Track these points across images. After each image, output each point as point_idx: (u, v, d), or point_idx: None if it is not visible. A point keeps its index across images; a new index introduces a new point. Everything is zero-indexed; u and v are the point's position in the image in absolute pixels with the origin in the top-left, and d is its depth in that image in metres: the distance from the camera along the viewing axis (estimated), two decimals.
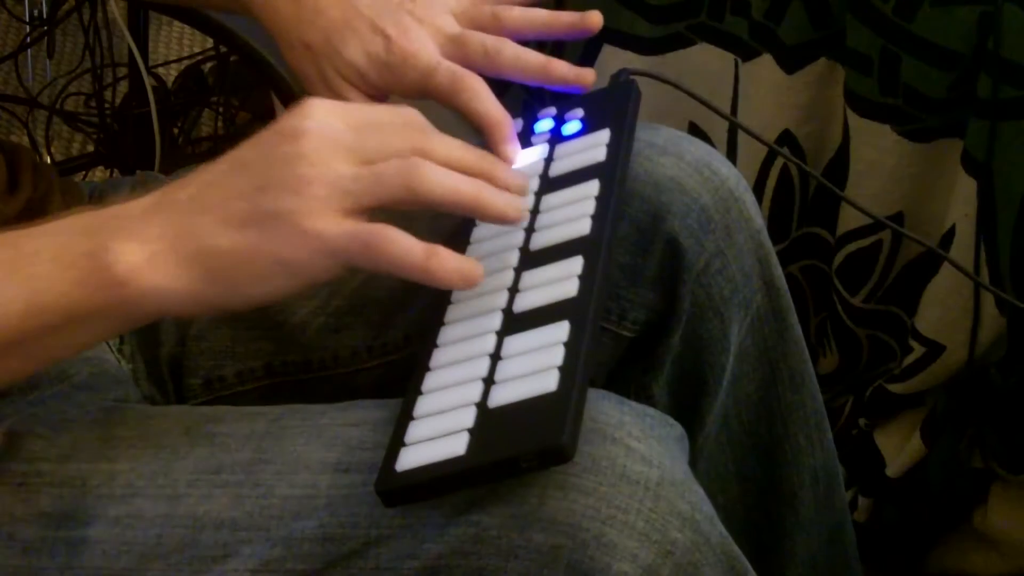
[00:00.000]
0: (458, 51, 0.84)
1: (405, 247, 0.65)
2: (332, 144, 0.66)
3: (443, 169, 0.67)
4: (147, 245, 0.65)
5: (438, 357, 0.72)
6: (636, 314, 0.87)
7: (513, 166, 0.81)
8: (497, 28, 0.86)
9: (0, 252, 0.67)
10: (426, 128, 0.70)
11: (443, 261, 0.65)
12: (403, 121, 0.70)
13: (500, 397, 0.67)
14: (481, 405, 0.67)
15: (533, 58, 0.84)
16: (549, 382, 0.66)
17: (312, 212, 0.64)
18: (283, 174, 0.65)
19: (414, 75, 0.83)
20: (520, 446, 0.64)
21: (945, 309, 1.15)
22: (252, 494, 0.72)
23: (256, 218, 0.65)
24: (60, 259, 0.66)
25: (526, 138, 0.85)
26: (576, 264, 0.73)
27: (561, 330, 0.69)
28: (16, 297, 0.65)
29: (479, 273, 0.67)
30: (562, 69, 0.85)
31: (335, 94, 0.84)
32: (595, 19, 0.86)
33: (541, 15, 0.87)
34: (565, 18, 0.87)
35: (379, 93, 0.85)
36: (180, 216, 0.66)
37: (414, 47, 0.83)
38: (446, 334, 0.74)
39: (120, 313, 0.66)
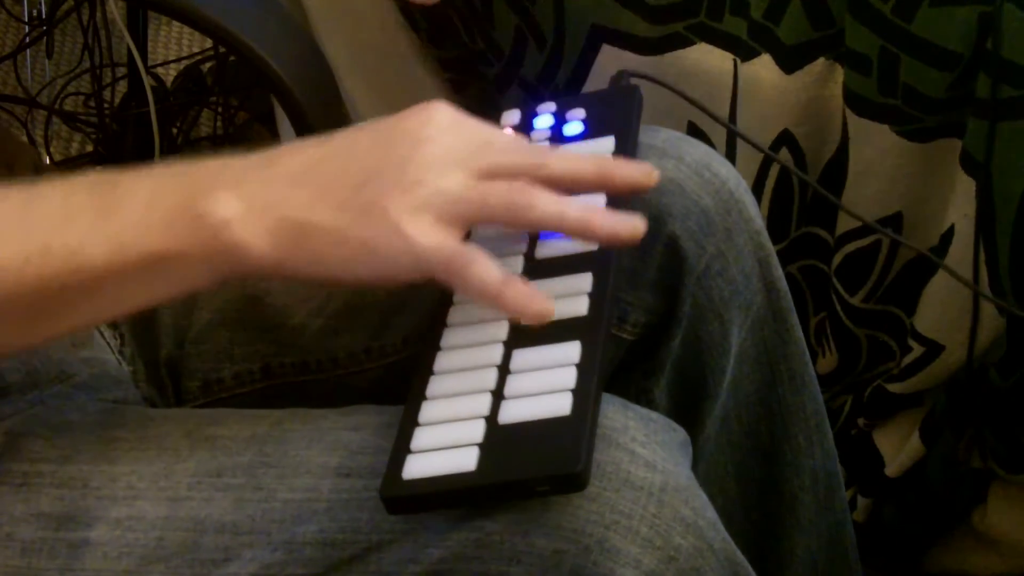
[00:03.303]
0: None
1: (483, 273, 0.66)
2: (449, 154, 0.67)
3: (551, 196, 0.67)
4: (242, 201, 0.66)
5: (442, 361, 0.72)
6: (636, 317, 0.87)
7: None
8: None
9: (96, 188, 0.67)
10: (546, 148, 0.71)
11: (517, 294, 0.66)
12: (521, 143, 0.71)
13: (511, 414, 0.67)
14: (491, 420, 0.67)
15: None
16: (562, 405, 0.66)
17: (411, 213, 0.65)
18: (394, 173, 0.66)
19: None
20: (533, 470, 0.65)
21: (944, 309, 1.15)
22: (253, 497, 0.72)
23: (355, 206, 0.66)
24: (153, 203, 0.66)
25: (525, 132, 0.85)
26: (585, 281, 0.72)
27: (573, 350, 0.69)
28: (105, 235, 0.66)
29: (551, 310, 0.67)
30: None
31: None
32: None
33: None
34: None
35: None
36: (281, 182, 0.67)
37: None
38: (449, 337, 0.73)
39: (204, 264, 0.67)
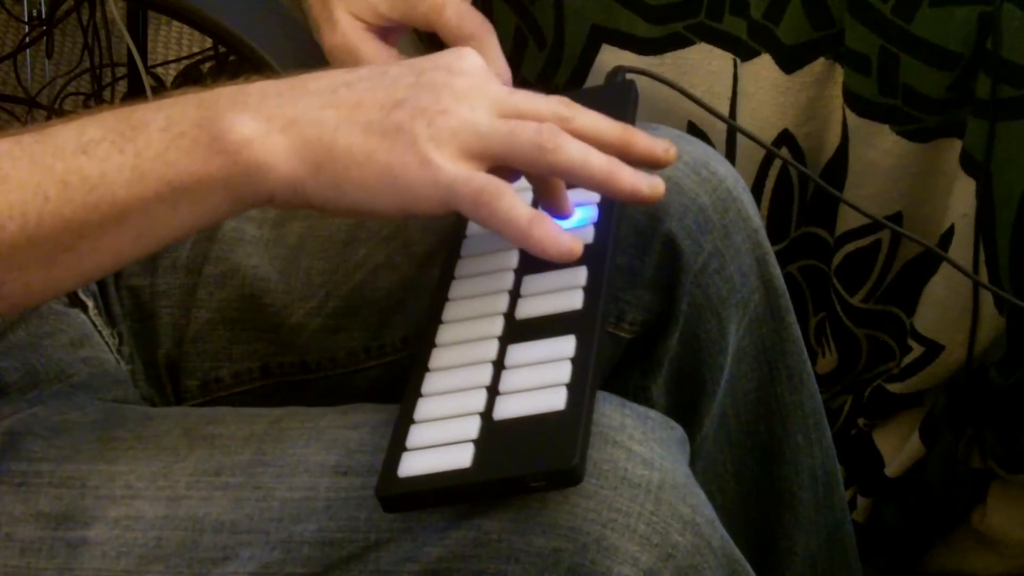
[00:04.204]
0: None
1: (512, 206, 0.65)
2: (482, 89, 0.68)
3: (579, 142, 0.68)
4: (262, 122, 0.65)
5: (437, 358, 0.72)
6: (634, 315, 0.87)
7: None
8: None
9: (109, 121, 0.66)
10: (573, 103, 0.71)
11: (546, 229, 0.66)
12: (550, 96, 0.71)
13: (505, 410, 0.67)
14: (486, 416, 0.67)
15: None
16: (557, 400, 0.66)
17: (439, 142, 0.65)
18: (425, 98, 0.66)
19: (424, 7, 0.84)
20: (529, 466, 0.64)
21: (944, 309, 1.15)
22: (252, 496, 0.71)
23: (383, 129, 0.66)
24: (170, 128, 0.65)
25: None
26: (580, 275, 0.72)
27: (567, 345, 0.69)
28: (123, 165, 0.65)
29: (578, 249, 0.67)
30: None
31: (347, 40, 0.85)
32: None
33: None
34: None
35: (389, 24, 0.86)
36: (304, 104, 0.67)
37: None
38: (445, 334, 0.73)
39: (225, 187, 0.66)
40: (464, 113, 0.67)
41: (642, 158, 0.72)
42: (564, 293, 0.72)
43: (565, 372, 0.68)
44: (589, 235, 0.75)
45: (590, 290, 0.72)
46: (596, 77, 1.25)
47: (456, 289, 0.76)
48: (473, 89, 0.68)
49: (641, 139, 0.72)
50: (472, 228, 0.80)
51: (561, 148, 0.67)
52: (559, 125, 0.68)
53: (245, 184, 0.66)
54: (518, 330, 0.72)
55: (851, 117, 1.13)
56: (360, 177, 0.66)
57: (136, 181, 0.65)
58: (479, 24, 0.83)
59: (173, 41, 2.31)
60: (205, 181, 0.65)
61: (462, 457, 0.65)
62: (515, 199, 0.66)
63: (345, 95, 0.67)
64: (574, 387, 0.67)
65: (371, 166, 0.66)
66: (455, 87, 0.68)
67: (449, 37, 0.83)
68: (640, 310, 0.87)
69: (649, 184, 0.69)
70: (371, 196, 0.66)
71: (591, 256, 0.73)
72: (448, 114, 0.66)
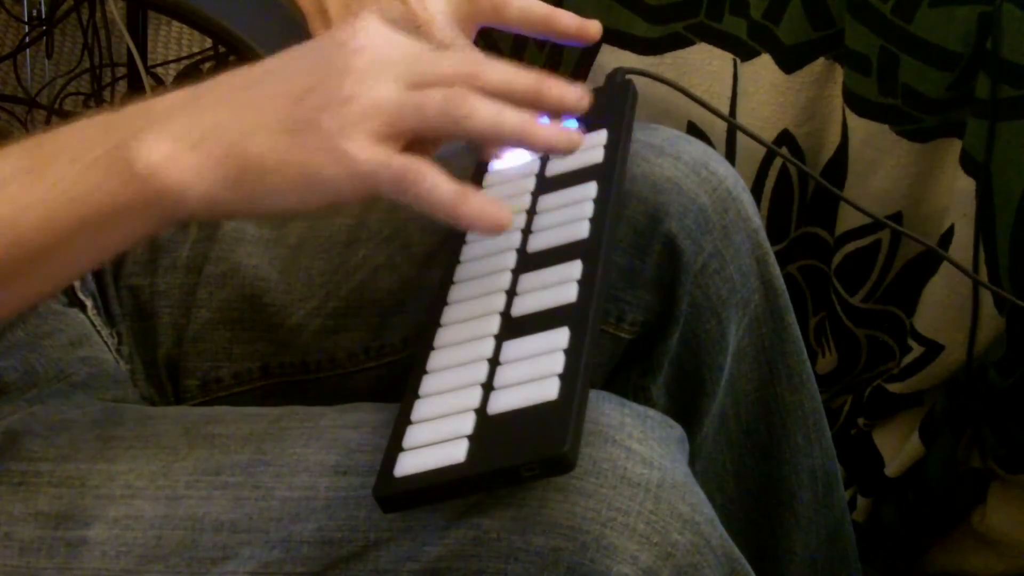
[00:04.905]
0: (469, 6, 0.85)
1: (435, 186, 0.64)
2: (383, 63, 0.66)
3: (489, 102, 0.66)
4: (171, 142, 0.64)
5: (435, 360, 0.72)
6: (634, 315, 0.87)
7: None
8: (495, 20, 0.86)
9: (20, 157, 0.65)
10: (480, 57, 0.69)
11: (473, 204, 0.64)
12: (455, 52, 0.70)
13: (499, 404, 0.67)
14: (480, 411, 0.67)
15: (538, 9, 0.84)
16: (550, 390, 0.66)
17: (348, 130, 0.64)
18: (327, 87, 0.65)
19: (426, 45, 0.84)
20: (521, 455, 0.64)
21: (944, 309, 1.15)
22: (251, 496, 0.71)
23: (292, 127, 0.64)
24: (80, 160, 0.64)
25: None
26: (575, 269, 0.72)
27: (561, 336, 0.69)
28: (35, 204, 0.63)
29: (508, 220, 0.65)
30: (566, 20, 0.84)
31: None
32: (594, 30, 0.84)
33: (539, 13, 0.85)
34: (564, 21, 0.84)
35: None
36: (211, 115, 0.65)
37: (428, 15, 0.83)
38: (443, 336, 0.73)
39: (142, 213, 0.64)
40: (369, 95, 0.64)
41: (554, 106, 0.70)
42: (558, 288, 0.72)
43: (558, 362, 0.68)
44: (584, 230, 0.75)
45: (584, 282, 0.72)
46: (596, 77, 1.25)
47: (455, 292, 0.77)
48: (374, 65, 0.66)
49: (553, 87, 0.69)
50: (472, 233, 0.80)
51: (472, 115, 0.65)
52: (469, 84, 0.66)
53: (161, 208, 0.64)
54: (513, 327, 0.72)
55: (851, 117, 1.13)
56: (279, 183, 0.64)
57: (50, 219, 0.64)
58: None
59: (173, 41, 2.31)
60: (120, 211, 0.64)
61: (457, 452, 0.65)
62: (437, 178, 0.64)
63: (250, 98, 0.65)
64: (567, 377, 0.67)
65: (287, 169, 0.64)
66: (356, 67, 0.65)
67: None
68: (640, 310, 0.87)
69: (564, 138, 0.68)
70: (294, 198, 0.65)
71: (586, 250, 0.73)
72: (353, 99, 0.64)
